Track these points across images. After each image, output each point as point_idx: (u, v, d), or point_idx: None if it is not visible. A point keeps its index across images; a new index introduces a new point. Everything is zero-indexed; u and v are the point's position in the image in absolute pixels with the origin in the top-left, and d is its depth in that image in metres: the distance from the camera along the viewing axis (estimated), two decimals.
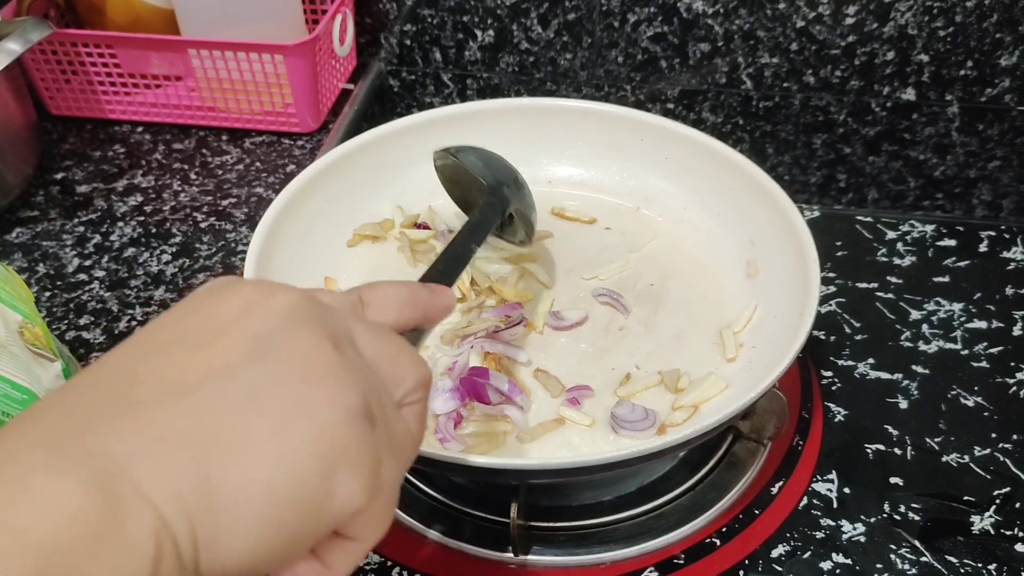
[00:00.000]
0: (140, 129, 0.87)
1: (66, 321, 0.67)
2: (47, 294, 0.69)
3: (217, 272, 0.71)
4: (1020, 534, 0.56)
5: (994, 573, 0.54)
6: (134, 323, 0.67)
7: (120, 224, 0.76)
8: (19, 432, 0.24)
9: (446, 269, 0.47)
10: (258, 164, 0.83)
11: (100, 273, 0.71)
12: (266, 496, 0.25)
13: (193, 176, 0.81)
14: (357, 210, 0.68)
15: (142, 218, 0.76)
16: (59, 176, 0.81)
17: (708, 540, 0.56)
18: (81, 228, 0.75)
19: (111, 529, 0.22)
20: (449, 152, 0.60)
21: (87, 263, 0.72)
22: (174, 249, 0.73)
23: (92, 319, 0.67)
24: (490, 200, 0.57)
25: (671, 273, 0.65)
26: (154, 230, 0.75)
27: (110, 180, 0.80)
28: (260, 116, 0.85)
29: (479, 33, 0.91)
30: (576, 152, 0.72)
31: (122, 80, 0.85)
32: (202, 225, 0.75)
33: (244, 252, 0.72)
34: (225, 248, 0.73)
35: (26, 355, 0.54)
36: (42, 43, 0.75)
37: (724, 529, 0.56)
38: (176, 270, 0.71)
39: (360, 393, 0.28)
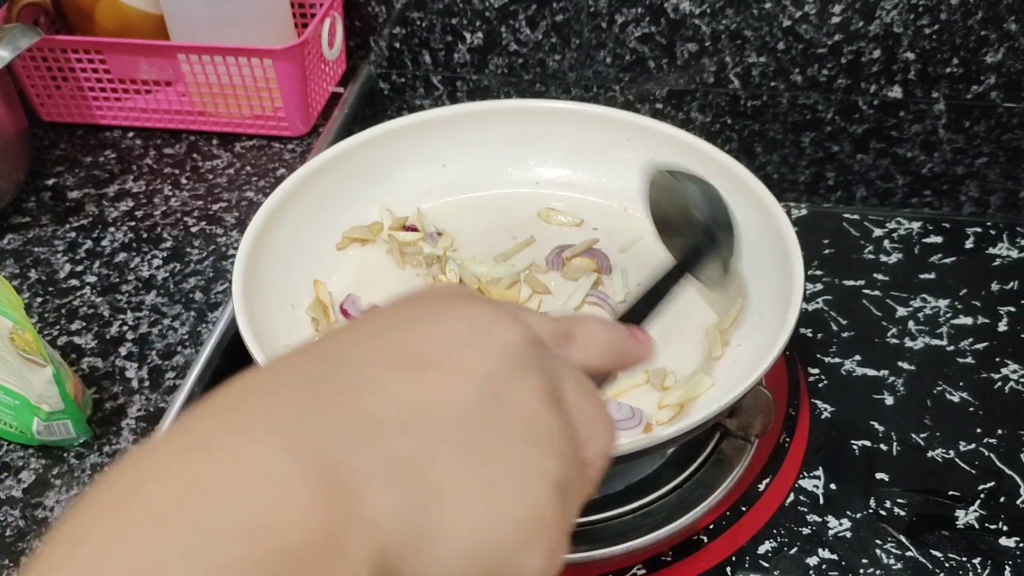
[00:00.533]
0: (131, 134, 0.87)
1: (58, 327, 0.67)
2: (39, 300, 0.69)
3: (208, 276, 0.71)
4: (1004, 528, 0.56)
5: (978, 567, 0.54)
6: (125, 328, 0.67)
7: (111, 229, 0.76)
8: (248, 412, 0.23)
9: (647, 310, 0.44)
10: (248, 168, 0.83)
11: (91, 278, 0.71)
12: (465, 553, 0.24)
13: (184, 181, 0.81)
14: (346, 213, 0.68)
15: (133, 223, 0.77)
16: (50, 182, 0.81)
17: (696, 537, 0.56)
18: (72, 234, 0.75)
19: (337, 545, 0.21)
20: (672, 173, 0.57)
21: (79, 268, 0.72)
22: (165, 254, 0.73)
23: (84, 324, 0.67)
24: (703, 241, 0.53)
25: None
26: (145, 235, 0.75)
27: (101, 186, 0.81)
28: (250, 120, 0.86)
29: (468, 35, 0.91)
30: (563, 153, 0.72)
31: (112, 85, 0.86)
32: (193, 230, 0.76)
33: (234, 256, 0.72)
34: (216, 252, 0.74)
35: (17, 361, 0.55)
36: (32, 49, 0.76)
37: (712, 526, 0.57)
38: (167, 275, 0.71)
39: (564, 462, 0.27)
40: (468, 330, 0.27)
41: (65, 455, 0.59)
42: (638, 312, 0.44)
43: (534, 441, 0.26)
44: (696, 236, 0.54)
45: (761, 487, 0.59)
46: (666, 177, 0.57)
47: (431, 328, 0.27)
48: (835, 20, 0.84)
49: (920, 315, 0.70)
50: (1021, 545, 0.55)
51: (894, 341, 0.68)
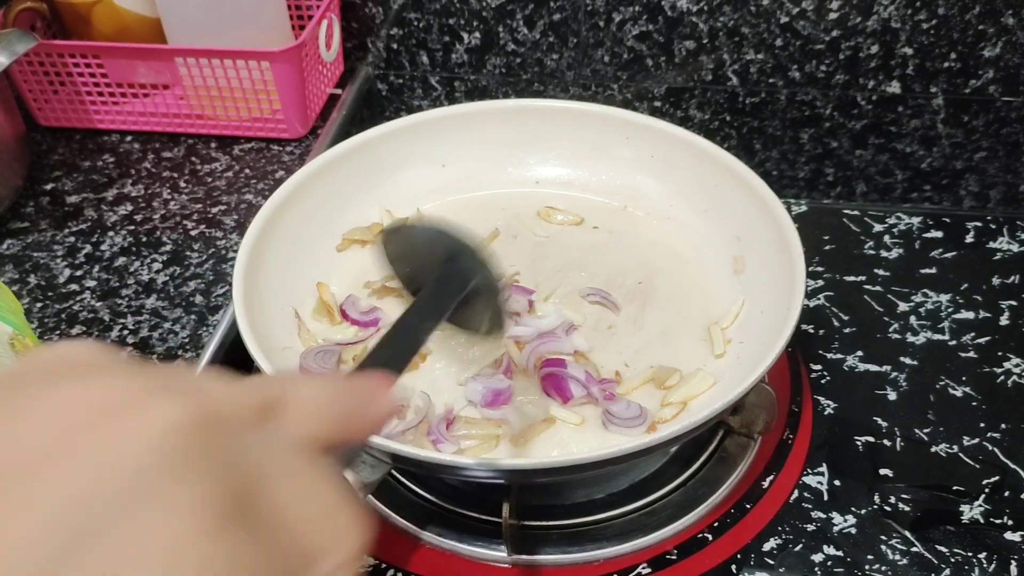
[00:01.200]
0: (129, 138, 0.87)
1: (58, 332, 0.67)
2: (39, 305, 0.69)
3: (208, 279, 0.71)
4: (1009, 522, 0.56)
5: (984, 562, 0.54)
6: (126, 332, 0.67)
7: (110, 234, 0.76)
8: None
9: (388, 355, 0.35)
10: (247, 171, 0.83)
11: (91, 283, 0.71)
12: None
13: (183, 184, 0.81)
14: (345, 214, 0.68)
15: (132, 227, 0.76)
16: (48, 187, 0.81)
17: (700, 535, 0.56)
18: (71, 238, 0.75)
19: None
20: (394, 228, 0.51)
21: (78, 273, 0.72)
22: (165, 257, 0.73)
23: (84, 329, 0.67)
24: (447, 269, 0.45)
25: (658, 271, 0.65)
26: (144, 239, 0.75)
27: (100, 190, 0.81)
28: (248, 123, 0.86)
29: (465, 35, 0.91)
30: (562, 152, 0.72)
31: (110, 90, 0.85)
32: (192, 233, 0.76)
33: (234, 259, 0.72)
34: (216, 255, 0.73)
35: None
36: (28, 54, 0.75)
37: (716, 524, 0.57)
38: (167, 278, 0.71)
39: None
40: (100, 403, 0.18)
41: None
42: (375, 357, 0.35)
43: None
44: (441, 267, 0.46)
45: (765, 484, 0.59)
46: (392, 234, 0.50)
47: (39, 405, 0.18)
48: (833, 16, 0.84)
49: (922, 310, 0.70)
50: None
51: (896, 336, 0.68)
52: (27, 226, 0.77)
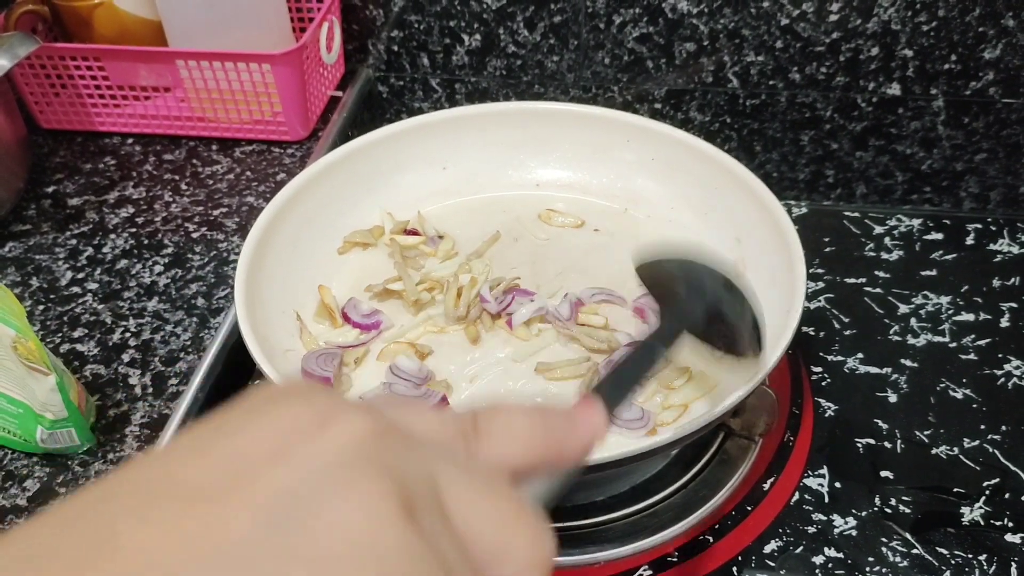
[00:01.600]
0: (130, 141, 0.87)
1: (60, 334, 0.67)
2: (41, 307, 0.69)
3: (209, 281, 0.71)
4: (1010, 524, 0.56)
5: (984, 564, 0.54)
6: (128, 335, 0.67)
7: (112, 236, 0.76)
8: None
9: (613, 384, 0.35)
10: (248, 173, 0.83)
11: (93, 285, 0.71)
12: None
13: (184, 187, 0.81)
14: (347, 217, 0.68)
15: (134, 230, 0.77)
16: (50, 189, 0.81)
17: (702, 537, 0.56)
18: (73, 241, 0.75)
19: None
20: (648, 263, 0.51)
21: (80, 276, 0.72)
22: (166, 260, 0.73)
23: (86, 331, 0.67)
24: (686, 298, 0.47)
25: None
26: (146, 241, 0.75)
27: (101, 192, 0.81)
28: (249, 125, 0.86)
29: (466, 38, 0.91)
30: (563, 155, 0.72)
31: (111, 92, 0.86)
32: (194, 235, 0.76)
33: (236, 262, 0.72)
34: (217, 258, 0.74)
35: (20, 369, 0.55)
36: (30, 57, 0.76)
37: (717, 526, 0.57)
38: (169, 281, 0.71)
39: None
40: (283, 434, 0.21)
41: (69, 463, 0.59)
42: (603, 385, 0.34)
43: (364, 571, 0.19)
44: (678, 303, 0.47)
45: (766, 486, 0.59)
46: (648, 264, 0.51)
47: (225, 446, 0.21)
48: (833, 18, 0.84)
49: (922, 312, 0.70)
50: None
51: (896, 338, 0.69)
52: (29, 229, 0.77)
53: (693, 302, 0.47)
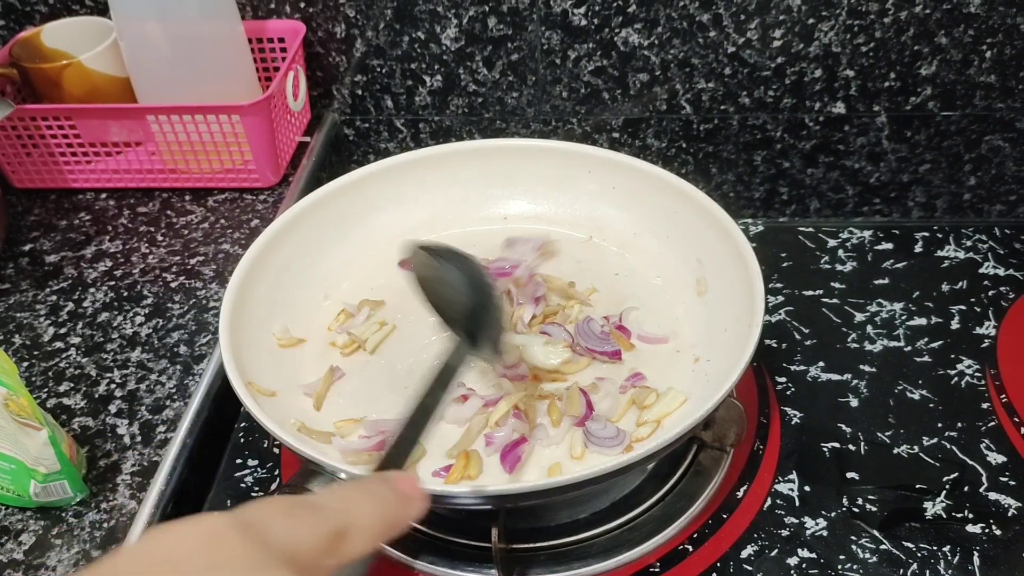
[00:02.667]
0: (104, 195, 0.89)
1: (46, 389, 0.68)
2: (25, 364, 0.70)
3: (190, 329, 0.73)
4: (970, 516, 0.59)
5: (948, 554, 0.57)
6: (113, 386, 0.68)
7: (91, 290, 0.77)
8: None
9: (405, 444, 0.42)
10: (223, 221, 0.85)
11: (76, 340, 0.73)
12: None
13: (160, 238, 0.83)
14: (323, 260, 0.71)
15: (113, 283, 0.78)
16: (27, 247, 0.83)
17: (681, 547, 0.59)
18: (53, 297, 0.77)
19: None
20: (430, 254, 0.56)
21: (62, 331, 0.74)
22: (147, 310, 0.75)
23: (72, 385, 0.69)
24: (462, 340, 0.52)
25: (626, 296, 0.68)
26: (126, 293, 0.77)
27: (78, 248, 0.82)
28: (221, 174, 0.88)
29: (427, 79, 0.94)
30: (527, 188, 0.75)
31: (83, 149, 0.87)
32: (172, 285, 0.78)
33: (215, 308, 0.74)
34: (197, 305, 0.75)
35: (12, 426, 0.56)
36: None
37: (695, 535, 0.59)
38: (151, 331, 0.73)
39: None
40: None
41: (64, 515, 0.60)
42: (401, 452, 0.41)
43: None
44: (461, 327, 0.53)
45: (739, 494, 0.62)
46: (428, 262, 0.56)
47: None
48: (776, 44, 0.88)
49: (877, 319, 0.74)
50: (987, 531, 0.58)
51: (854, 346, 0.72)
52: (8, 287, 0.78)
53: (476, 323, 0.52)
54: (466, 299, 0.54)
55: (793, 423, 0.66)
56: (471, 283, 0.54)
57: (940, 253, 0.80)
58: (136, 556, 0.26)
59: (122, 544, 0.58)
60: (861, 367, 0.70)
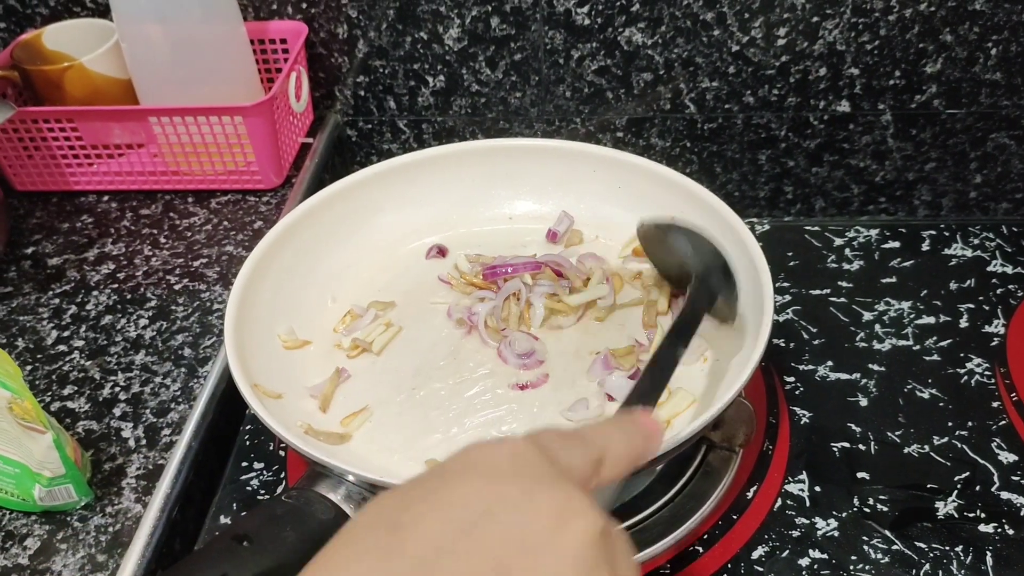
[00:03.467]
0: (106, 198, 0.89)
1: (50, 393, 0.68)
2: (28, 368, 0.70)
3: (195, 331, 0.73)
4: (982, 515, 0.59)
5: (961, 554, 0.57)
6: (118, 389, 0.68)
7: (95, 293, 0.77)
8: None
9: (653, 385, 0.48)
10: (226, 223, 0.85)
11: (79, 343, 0.72)
12: None
13: (163, 240, 0.83)
14: (327, 261, 0.70)
15: (116, 285, 0.78)
16: (29, 251, 0.82)
17: (691, 548, 0.58)
18: (56, 300, 0.76)
19: None
20: (660, 227, 0.63)
21: (65, 334, 0.73)
22: (150, 313, 0.75)
23: (75, 388, 0.68)
24: (696, 295, 0.58)
25: (633, 296, 0.68)
26: (129, 296, 0.77)
27: (81, 250, 0.82)
28: (224, 176, 0.88)
29: (430, 79, 0.94)
30: (533, 188, 0.75)
31: (85, 152, 0.87)
32: (176, 287, 0.77)
33: (220, 311, 0.74)
34: (201, 308, 0.75)
35: (16, 430, 0.56)
36: (2, 122, 0.77)
37: (706, 536, 0.59)
38: (155, 333, 0.73)
39: None
40: (536, 529, 0.29)
41: (68, 519, 0.60)
42: (644, 388, 0.47)
43: None
44: (692, 288, 0.58)
45: (749, 495, 0.61)
46: (653, 230, 0.63)
47: (487, 535, 0.29)
48: (781, 42, 0.88)
49: (885, 318, 0.73)
50: (999, 531, 0.58)
51: (863, 345, 0.71)
52: (11, 291, 0.78)
53: (708, 286, 0.58)
54: (702, 262, 0.59)
55: (802, 423, 0.66)
56: (705, 251, 0.60)
57: (948, 251, 0.80)
58: (460, 460, 0.32)
59: (128, 548, 0.57)
60: (870, 366, 0.70)
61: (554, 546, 0.29)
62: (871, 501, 0.60)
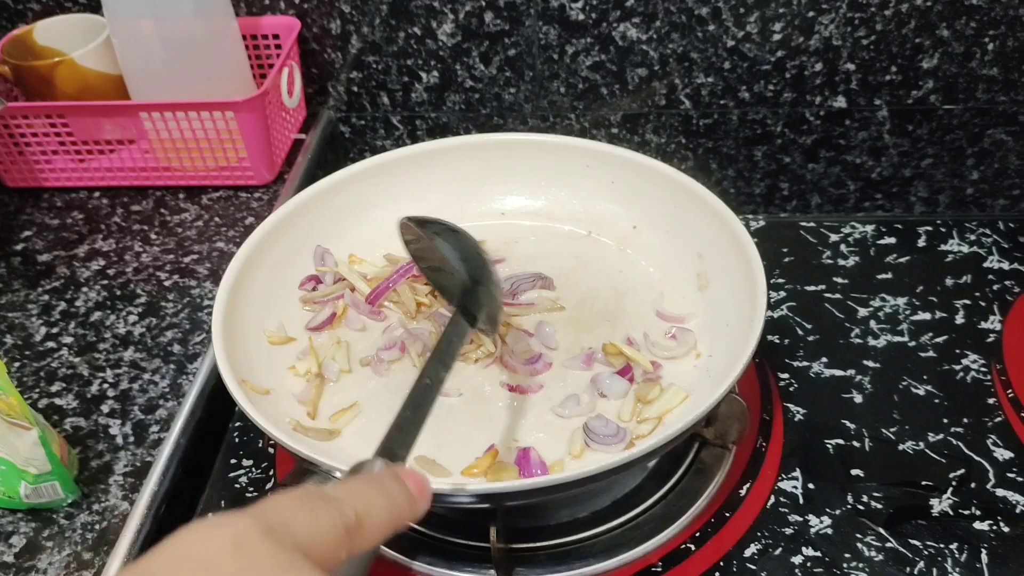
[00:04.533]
0: (97, 194, 0.88)
1: (38, 389, 0.67)
2: (16, 364, 0.69)
3: (184, 328, 0.72)
4: (977, 513, 0.58)
5: (956, 552, 0.56)
6: (106, 386, 0.67)
7: (84, 289, 0.76)
8: None
9: (409, 428, 0.42)
10: (217, 219, 0.84)
11: (68, 339, 0.72)
12: None
13: (153, 236, 0.82)
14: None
15: (106, 282, 0.77)
16: (19, 247, 0.82)
17: (683, 546, 0.58)
18: (46, 296, 0.76)
19: None
20: (422, 230, 0.56)
21: (54, 330, 0.73)
22: (140, 309, 0.74)
23: (64, 385, 0.68)
24: (461, 311, 0.52)
25: (626, 291, 0.67)
26: (119, 292, 0.76)
27: (71, 247, 0.81)
28: (215, 172, 0.87)
29: (424, 75, 0.93)
30: (526, 183, 0.74)
31: (75, 147, 0.86)
32: (166, 284, 0.77)
33: (209, 307, 0.73)
34: (191, 304, 0.74)
35: (1, 426, 0.55)
36: None
37: (698, 534, 0.58)
38: (144, 330, 0.72)
39: None
40: None
41: (55, 516, 0.59)
42: (405, 434, 0.41)
43: None
44: (458, 300, 0.53)
45: (742, 492, 0.61)
46: (420, 238, 0.56)
47: None
48: (776, 37, 0.87)
49: (880, 314, 0.73)
50: (995, 528, 0.57)
51: (858, 341, 0.71)
52: (0, 287, 0.77)
53: (473, 296, 0.52)
54: (461, 274, 0.53)
55: (796, 420, 0.65)
56: (465, 258, 0.54)
57: (943, 247, 0.79)
58: (168, 557, 0.27)
59: (114, 546, 0.57)
60: (865, 363, 0.69)
61: None
62: (865, 498, 0.60)
